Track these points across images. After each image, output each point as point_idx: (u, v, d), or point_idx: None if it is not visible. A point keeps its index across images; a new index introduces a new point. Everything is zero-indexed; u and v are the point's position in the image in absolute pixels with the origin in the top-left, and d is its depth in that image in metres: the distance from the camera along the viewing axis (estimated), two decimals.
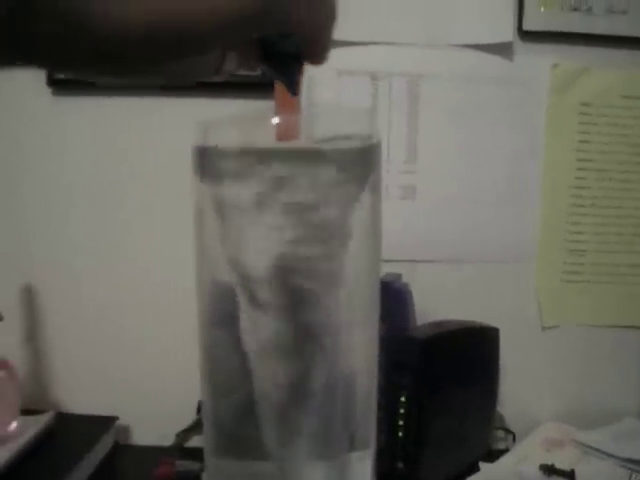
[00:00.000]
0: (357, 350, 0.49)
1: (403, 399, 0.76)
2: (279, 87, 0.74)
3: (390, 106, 0.92)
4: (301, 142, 0.46)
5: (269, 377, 0.46)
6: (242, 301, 0.44)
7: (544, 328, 0.99)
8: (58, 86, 0.92)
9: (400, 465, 0.76)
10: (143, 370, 0.97)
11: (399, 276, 0.85)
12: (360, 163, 0.46)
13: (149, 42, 0.30)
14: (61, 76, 0.90)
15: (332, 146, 0.45)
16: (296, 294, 0.45)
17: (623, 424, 0.96)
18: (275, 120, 0.45)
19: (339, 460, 0.48)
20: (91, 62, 0.31)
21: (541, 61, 0.94)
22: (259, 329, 0.45)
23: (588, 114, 0.95)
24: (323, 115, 0.52)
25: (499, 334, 0.87)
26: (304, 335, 0.46)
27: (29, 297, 0.95)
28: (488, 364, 0.87)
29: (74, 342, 0.97)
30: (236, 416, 0.47)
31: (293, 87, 0.45)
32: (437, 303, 0.89)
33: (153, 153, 0.94)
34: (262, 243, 0.44)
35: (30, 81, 0.92)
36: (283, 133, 0.46)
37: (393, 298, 0.82)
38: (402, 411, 0.76)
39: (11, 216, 0.95)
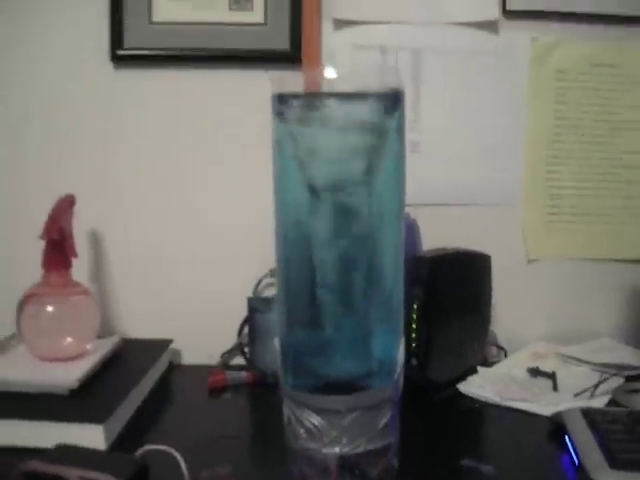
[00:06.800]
0: (388, 250, 0.65)
1: (415, 307, 0.92)
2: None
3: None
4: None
5: (328, 270, 0.62)
6: (309, 208, 0.61)
7: (530, 261, 1.14)
8: (120, 60, 1.06)
9: (414, 362, 0.92)
10: (192, 301, 1.11)
11: (407, 214, 1.02)
12: (391, 104, 0.63)
13: None
14: (122, 52, 1.05)
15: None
16: (344, 202, 0.62)
17: (600, 341, 1.10)
18: (329, 72, 0.62)
19: (376, 334, 0.64)
20: None
21: (522, 35, 1.09)
22: (320, 233, 0.61)
23: (563, 80, 1.10)
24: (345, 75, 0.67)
25: (491, 260, 1.03)
26: (350, 236, 0.62)
27: (95, 240, 1.10)
28: (482, 284, 1.02)
29: (134, 279, 1.12)
30: (302, 297, 0.63)
31: None
32: (438, 239, 1.02)
33: (212, 120, 1.09)
34: (323, 160, 0.61)
35: (93, 55, 1.06)
36: (310, 85, 0.63)
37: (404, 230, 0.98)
38: (415, 317, 0.92)
39: (76, 171, 1.09)
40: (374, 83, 0.62)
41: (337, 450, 0.61)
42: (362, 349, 0.63)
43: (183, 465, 0.64)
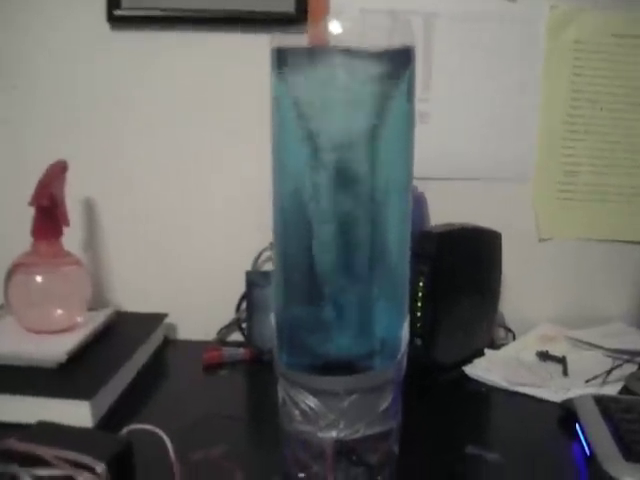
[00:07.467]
0: (393, 222, 0.61)
1: (421, 284, 0.88)
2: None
3: None
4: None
5: (329, 241, 0.58)
6: (310, 172, 0.56)
7: (541, 240, 1.10)
8: (117, 21, 1.01)
9: (418, 342, 0.89)
10: (190, 274, 1.08)
11: (415, 187, 0.97)
12: (400, 60, 0.58)
13: None
14: (120, 12, 1.00)
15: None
16: (347, 167, 0.57)
17: (612, 326, 1.07)
18: (334, 27, 0.57)
19: (379, 311, 0.60)
20: None
21: (540, 3, 1.04)
22: (321, 200, 0.57)
23: (582, 50, 1.06)
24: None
25: (501, 237, 0.99)
26: (353, 204, 0.58)
27: (89, 208, 1.07)
28: (492, 262, 0.98)
29: (129, 249, 1.08)
30: (300, 269, 0.59)
31: None
32: (446, 215, 0.99)
33: (212, 84, 1.05)
34: (324, 119, 0.56)
35: (89, 15, 1.02)
36: (315, 39, 0.58)
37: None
38: (420, 294, 0.88)
39: (71, 139, 1.06)
40: (383, 38, 0.57)
41: (334, 434, 0.57)
42: (364, 327, 0.59)
43: (169, 445, 0.60)
